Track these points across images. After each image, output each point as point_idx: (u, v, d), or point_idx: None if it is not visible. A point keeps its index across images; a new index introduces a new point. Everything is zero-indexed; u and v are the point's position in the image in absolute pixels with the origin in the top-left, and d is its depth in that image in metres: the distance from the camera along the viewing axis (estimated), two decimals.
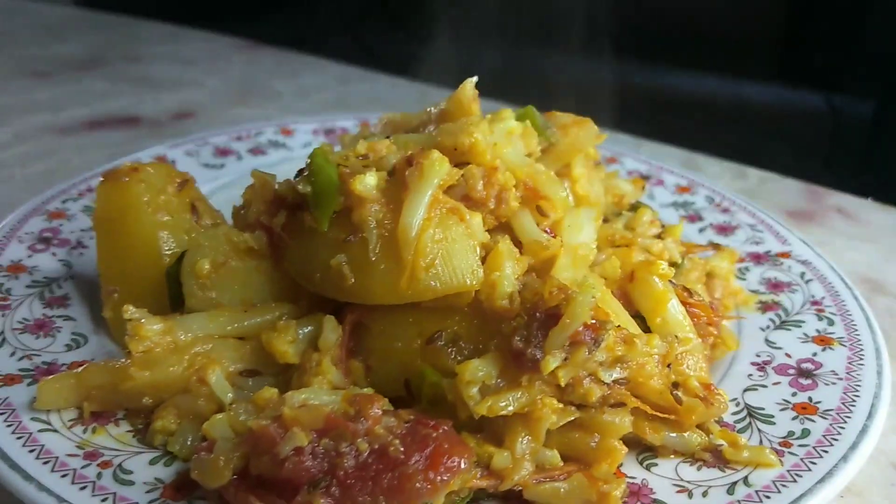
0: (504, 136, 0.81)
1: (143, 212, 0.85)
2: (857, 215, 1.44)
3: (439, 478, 0.63)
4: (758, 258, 1.11)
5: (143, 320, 0.75)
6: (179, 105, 1.90)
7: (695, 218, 1.22)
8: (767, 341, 0.94)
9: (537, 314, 0.69)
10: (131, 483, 0.67)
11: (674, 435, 0.75)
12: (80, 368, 0.75)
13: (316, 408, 0.65)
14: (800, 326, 0.96)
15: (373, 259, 0.72)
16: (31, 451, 0.68)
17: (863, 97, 2.51)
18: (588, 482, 0.68)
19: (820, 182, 1.56)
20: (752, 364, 0.89)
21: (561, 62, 2.30)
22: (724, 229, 1.18)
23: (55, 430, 0.72)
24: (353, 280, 0.73)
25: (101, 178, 0.88)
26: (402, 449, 0.63)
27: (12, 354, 0.81)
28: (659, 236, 0.97)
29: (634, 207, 1.02)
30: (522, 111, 0.87)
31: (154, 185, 0.87)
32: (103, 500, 0.64)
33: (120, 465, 0.69)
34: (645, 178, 1.29)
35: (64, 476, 0.66)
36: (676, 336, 0.76)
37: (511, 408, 0.67)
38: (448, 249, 0.72)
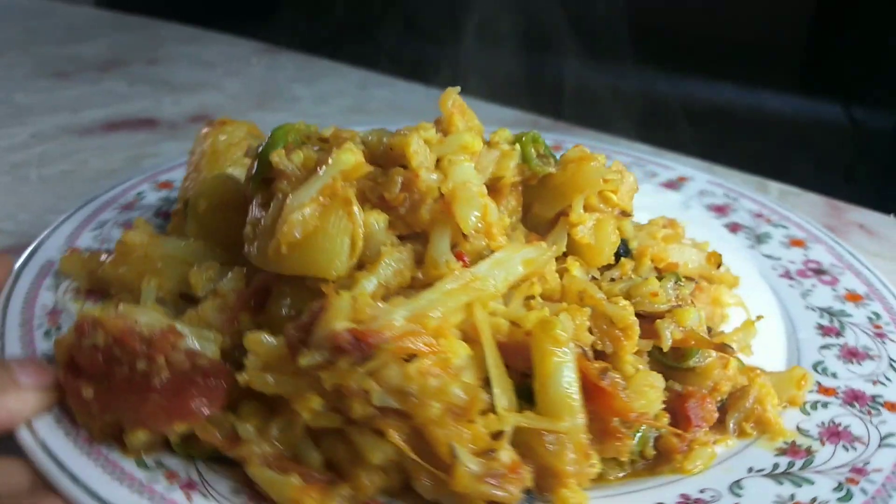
0: (456, 150, 0.79)
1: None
2: (879, 232, 1.40)
3: (174, 415, 0.70)
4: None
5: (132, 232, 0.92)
6: (198, 108, 1.91)
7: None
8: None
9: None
10: None
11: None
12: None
13: (130, 321, 0.73)
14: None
15: (263, 227, 0.78)
16: None
17: (885, 109, 2.49)
18: (299, 492, 0.68)
19: (840, 196, 1.53)
20: None
21: (582, 69, 2.29)
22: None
23: None
24: (252, 244, 0.79)
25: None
26: (164, 379, 0.71)
27: None
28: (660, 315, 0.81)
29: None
30: (522, 135, 0.85)
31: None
32: None
33: None
34: (721, 208, 1.20)
35: None
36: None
37: (270, 388, 0.70)
38: (319, 236, 0.75)
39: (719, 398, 0.82)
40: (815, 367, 0.92)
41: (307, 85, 2.13)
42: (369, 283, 0.73)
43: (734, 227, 1.23)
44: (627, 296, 0.80)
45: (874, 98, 2.49)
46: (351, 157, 0.76)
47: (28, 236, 1.07)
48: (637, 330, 0.76)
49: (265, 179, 0.81)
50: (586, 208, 0.85)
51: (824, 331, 0.99)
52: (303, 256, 0.75)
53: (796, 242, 1.17)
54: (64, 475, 0.70)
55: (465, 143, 0.78)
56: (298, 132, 0.84)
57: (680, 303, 0.80)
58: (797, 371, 0.87)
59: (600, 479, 0.74)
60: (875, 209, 1.48)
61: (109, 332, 0.73)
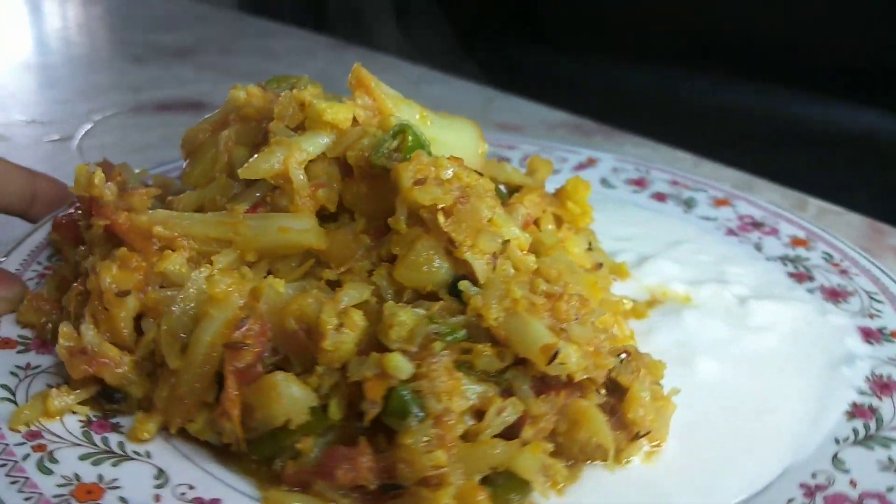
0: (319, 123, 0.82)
1: None
2: None
3: None
4: (868, 335, 0.94)
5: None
6: None
7: (804, 277, 1.07)
8: (836, 459, 0.75)
9: None
10: None
11: None
12: None
13: None
14: (888, 447, 0.76)
15: None
16: None
17: None
18: None
19: None
20: (801, 486, 0.71)
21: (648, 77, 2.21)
22: (836, 294, 1.02)
23: None
24: None
25: None
26: None
27: None
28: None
29: None
30: (401, 126, 0.81)
31: None
32: None
33: None
34: (758, 224, 1.19)
35: None
36: None
37: None
38: None
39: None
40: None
41: None
42: None
43: (660, 197, 1.30)
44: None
45: None
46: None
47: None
48: None
49: None
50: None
51: (798, 277, 1.07)
52: None
53: (721, 202, 1.27)
54: None
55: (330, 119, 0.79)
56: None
57: None
58: None
59: None
60: None
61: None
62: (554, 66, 2.27)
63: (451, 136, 0.92)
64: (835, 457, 0.76)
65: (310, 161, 0.81)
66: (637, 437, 0.75)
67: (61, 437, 0.69)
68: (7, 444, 0.66)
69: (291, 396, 0.68)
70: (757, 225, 1.21)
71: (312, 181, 0.80)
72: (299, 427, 0.69)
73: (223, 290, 0.71)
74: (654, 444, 0.77)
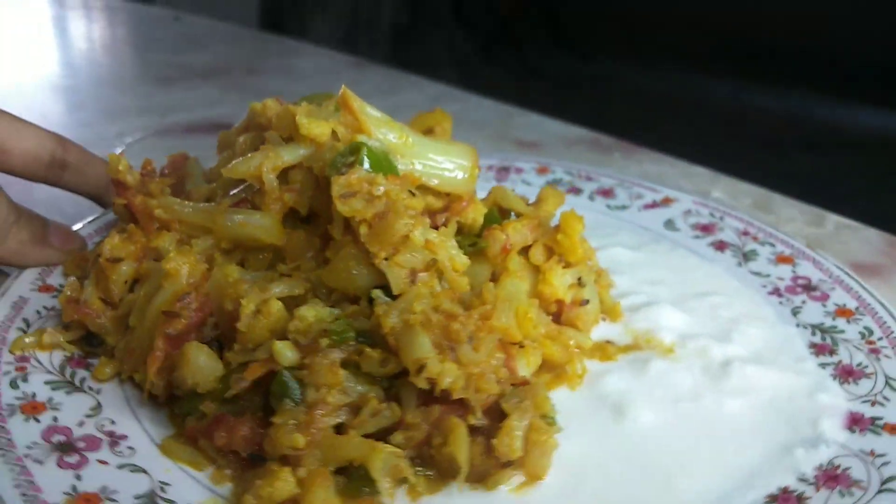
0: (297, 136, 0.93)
1: None
2: None
3: None
4: (855, 422, 0.86)
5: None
6: None
7: (825, 349, 0.99)
8: None
9: None
10: None
11: None
12: None
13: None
14: None
15: None
16: None
17: None
18: None
19: None
20: None
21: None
22: (850, 373, 0.94)
23: None
24: None
25: None
26: None
27: None
28: None
29: None
30: (358, 145, 0.88)
31: None
32: None
33: None
34: (809, 288, 1.11)
35: None
36: None
37: None
38: None
39: None
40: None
41: (384, 97, 2.06)
42: None
43: (720, 246, 1.24)
44: None
45: None
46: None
47: (85, 219, 1.12)
48: None
49: None
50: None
51: (818, 349, 1.00)
52: None
53: (784, 259, 1.18)
54: None
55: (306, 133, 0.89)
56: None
57: None
58: None
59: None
60: None
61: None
62: (574, 70, 2.19)
63: (438, 157, 0.97)
64: None
65: (289, 168, 0.92)
66: (506, 465, 0.76)
67: (41, 365, 0.86)
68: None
69: (199, 364, 0.80)
70: (808, 288, 1.11)
71: (287, 186, 0.91)
72: (207, 392, 0.80)
73: (174, 268, 0.84)
74: (530, 476, 0.77)
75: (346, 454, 0.74)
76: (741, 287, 1.13)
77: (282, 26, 3.08)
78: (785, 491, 0.76)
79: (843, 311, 1.05)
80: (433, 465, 0.77)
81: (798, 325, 1.04)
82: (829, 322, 1.04)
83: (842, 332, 1.01)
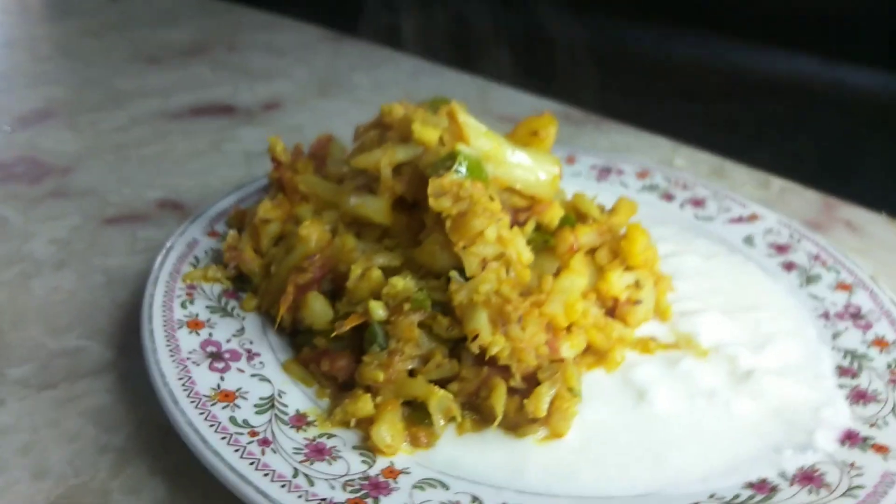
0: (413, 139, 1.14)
1: None
2: (864, 229, 1.50)
3: None
4: (849, 438, 0.97)
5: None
6: (270, 96, 2.03)
7: (848, 373, 1.10)
8: None
9: None
10: None
11: None
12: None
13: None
14: None
15: None
16: None
17: None
18: None
19: None
20: None
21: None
22: (863, 397, 1.05)
23: None
24: None
25: None
26: None
27: None
28: None
29: None
30: (455, 152, 1.07)
31: None
32: None
33: None
34: (857, 316, 1.21)
35: None
36: None
37: None
38: None
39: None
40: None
41: (366, 73, 2.20)
42: None
43: (788, 266, 1.35)
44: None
45: None
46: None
47: (130, 208, 1.26)
48: None
49: None
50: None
51: (843, 371, 1.11)
52: None
53: (843, 287, 1.28)
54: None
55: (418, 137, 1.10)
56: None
57: None
58: None
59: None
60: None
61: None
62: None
63: (525, 165, 1.16)
64: None
65: (402, 164, 1.15)
66: (533, 421, 0.96)
67: (204, 293, 1.15)
68: (175, 287, 1.15)
69: (316, 309, 1.05)
70: (856, 316, 1.21)
71: (398, 177, 1.14)
72: (319, 330, 1.06)
73: (307, 234, 1.10)
74: (552, 433, 0.97)
75: (413, 392, 0.98)
76: (794, 306, 1.25)
77: None
78: (763, 481, 0.91)
79: (879, 342, 1.15)
80: (477, 411, 0.99)
81: (833, 349, 1.15)
82: (862, 349, 1.14)
83: (871, 360, 1.12)
